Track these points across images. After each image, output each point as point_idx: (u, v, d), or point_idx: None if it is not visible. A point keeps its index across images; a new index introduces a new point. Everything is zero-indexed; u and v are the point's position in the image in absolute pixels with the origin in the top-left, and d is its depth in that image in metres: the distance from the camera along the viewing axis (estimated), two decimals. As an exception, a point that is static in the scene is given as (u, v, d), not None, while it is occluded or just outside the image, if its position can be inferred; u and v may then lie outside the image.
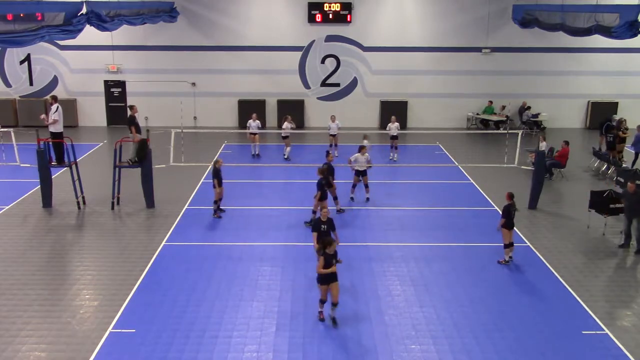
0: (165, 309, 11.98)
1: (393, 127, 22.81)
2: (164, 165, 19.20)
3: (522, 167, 19.97)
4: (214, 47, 28.27)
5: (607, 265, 14.47)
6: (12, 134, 19.02)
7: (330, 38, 28.38)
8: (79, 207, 17.78)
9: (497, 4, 27.94)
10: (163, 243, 15.29)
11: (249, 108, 25.46)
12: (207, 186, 19.86)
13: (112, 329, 11.31)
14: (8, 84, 28.65)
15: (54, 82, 28.68)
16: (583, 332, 11.43)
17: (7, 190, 19.16)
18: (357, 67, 28.76)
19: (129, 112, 18.45)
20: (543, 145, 19.54)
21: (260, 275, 13.55)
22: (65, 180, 18.63)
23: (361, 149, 18.06)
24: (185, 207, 17.94)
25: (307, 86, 28.96)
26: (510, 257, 14.32)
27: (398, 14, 28.27)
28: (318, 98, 29.08)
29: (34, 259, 14.36)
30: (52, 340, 10.93)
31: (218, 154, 23.81)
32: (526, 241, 15.68)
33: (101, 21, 19.35)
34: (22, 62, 28.45)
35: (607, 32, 20.06)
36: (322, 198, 16.02)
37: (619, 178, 19.38)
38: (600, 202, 16.22)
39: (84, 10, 18.36)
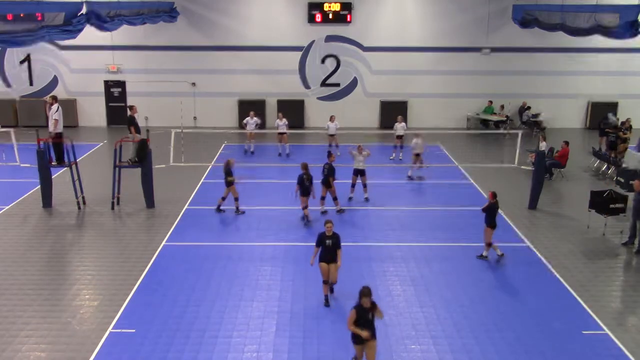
0: (165, 309, 11.98)
1: (399, 127, 22.87)
2: (164, 165, 19.20)
3: (522, 167, 19.98)
4: (214, 47, 28.27)
5: (607, 265, 14.47)
6: (12, 134, 19.02)
7: (330, 38, 28.38)
8: (79, 207, 17.78)
9: (497, 4, 27.94)
10: (163, 243, 15.29)
11: (249, 108, 25.45)
12: (207, 186, 19.89)
13: (112, 329, 11.31)
14: (8, 84, 28.66)
15: (54, 82, 28.68)
16: (583, 332, 11.42)
17: (7, 190, 19.16)
18: (357, 67, 28.77)
19: (128, 112, 18.46)
20: (543, 145, 19.56)
21: (260, 275, 13.55)
22: (65, 180, 18.63)
23: (359, 147, 18.11)
24: (185, 207, 17.94)
25: (307, 86, 28.97)
26: (487, 257, 14.47)
27: (398, 14, 28.28)
28: (318, 98, 29.08)
29: (34, 259, 14.36)
30: (52, 340, 10.93)
31: (218, 154, 23.83)
32: (526, 241, 15.69)
33: (101, 21, 19.36)
34: (22, 62, 28.45)
35: (607, 32, 20.08)
36: (303, 194, 16.30)
37: (619, 178, 19.39)
38: (600, 202, 16.21)
39: (84, 10, 18.38)
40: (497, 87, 28.91)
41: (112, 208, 17.72)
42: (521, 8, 26.55)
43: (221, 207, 17.29)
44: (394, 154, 23.55)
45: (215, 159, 23.11)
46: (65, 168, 18.32)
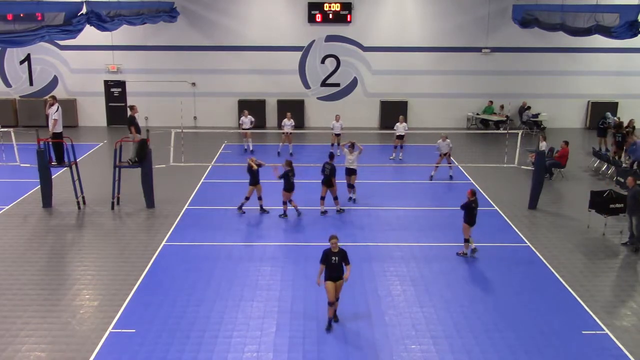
0: (165, 309, 11.98)
1: (400, 127, 22.87)
2: (164, 165, 19.19)
3: (522, 167, 19.97)
4: (214, 47, 28.27)
5: (607, 265, 14.47)
6: (12, 134, 19.03)
7: (330, 38, 28.38)
8: (79, 207, 17.78)
9: (497, 4, 27.94)
10: (163, 243, 15.29)
11: (249, 108, 25.46)
12: (207, 186, 19.89)
13: (112, 329, 11.31)
14: (8, 84, 28.65)
15: (54, 82, 28.67)
16: (583, 332, 11.43)
17: (7, 190, 19.15)
18: (357, 67, 28.76)
19: (129, 112, 18.46)
20: (543, 145, 19.55)
21: (260, 275, 13.55)
22: (65, 180, 18.62)
23: (351, 144, 18.09)
24: (185, 207, 17.94)
25: (307, 86, 28.96)
26: (466, 253, 14.58)
27: (398, 14, 28.27)
28: (318, 98, 29.08)
29: (34, 259, 14.36)
30: (52, 340, 10.93)
31: (218, 154, 23.84)
32: (526, 241, 15.68)
33: (101, 21, 19.34)
34: (22, 62, 28.44)
35: (607, 32, 20.06)
36: (287, 189, 16.64)
37: (619, 178, 19.39)
38: (600, 202, 16.22)
39: (84, 10, 18.36)
40: (497, 87, 28.91)
41: (112, 208, 17.72)
42: (521, 8, 26.55)
43: (242, 207, 17.28)
44: (393, 154, 23.57)
45: (215, 159, 23.12)
46: (65, 168, 18.33)
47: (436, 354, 10.65)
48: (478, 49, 28.46)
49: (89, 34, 21.95)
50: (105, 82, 28.72)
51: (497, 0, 27.88)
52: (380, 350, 10.71)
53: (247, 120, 23.73)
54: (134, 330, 11.22)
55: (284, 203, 16.96)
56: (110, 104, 28.98)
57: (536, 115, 28.23)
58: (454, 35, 28.33)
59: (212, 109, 28.84)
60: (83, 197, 18.09)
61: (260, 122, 27.16)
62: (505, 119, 27.97)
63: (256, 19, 28.10)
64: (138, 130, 17.98)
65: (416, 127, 27.77)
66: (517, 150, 19.01)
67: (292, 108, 28.06)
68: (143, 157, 17.42)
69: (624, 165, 20.99)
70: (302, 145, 25.07)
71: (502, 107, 28.47)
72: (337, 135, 23.42)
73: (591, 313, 12.10)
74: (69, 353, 10.55)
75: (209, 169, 21.38)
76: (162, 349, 10.63)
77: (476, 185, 20.07)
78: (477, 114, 28.89)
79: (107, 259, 14.48)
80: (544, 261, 14.49)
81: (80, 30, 18.34)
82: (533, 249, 15.22)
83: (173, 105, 27.83)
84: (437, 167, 20.99)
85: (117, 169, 17.72)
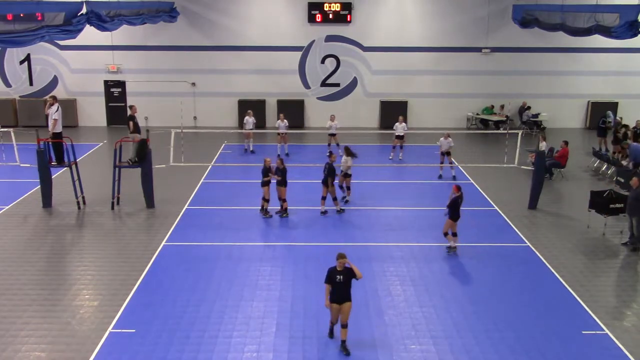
0: (165, 309, 11.98)
1: (400, 127, 22.87)
2: (164, 165, 19.19)
3: (522, 167, 19.96)
4: (214, 47, 28.27)
5: (607, 265, 14.47)
6: (12, 134, 19.02)
7: (330, 38, 28.38)
8: (79, 207, 17.78)
9: (497, 4, 27.94)
10: (163, 243, 15.29)
11: (249, 108, 25.48)
12: (207, 186, 19.89)
13: (112, 329, 11.31)
14: (8, 84, 28.65)
15: (54, 82, 28.67)
16: (583, 332, 11.42)
17: (7, 190, 19.15)
18: (357, 67, 28.76)
19: (128, 112, 18.45)
20: (543, 145, 19.54)
21: (260, 275, 13.55)
22: (65, 180, 18.62)
23: (346, 149, 18.21)
24: (185, 207, 17.93)
25: (307, 86, 28.96)
26: (455, 247, 14.73)
27: (398, 14, 28.28)
28: (318, 98, 29.08)
29: (34, 259, 14.36)
30: (52, 340, 10.93)
31: (218, 154, 23.84)
32: (526, 241, 15.68)
33: (101, 21, 19.35)
34: (22, 62, 28.44)
35: (607, 32, 20.06)
36: (280, 184, 16.79)
37: (618, 178, 19.38)
38: (600, 202, 16.21)
39: (84, 10, 18.36)
40: (497, 87, 28.91)
41: (112, 208, 17.72)
42: (521, 8, 26.55)
43: (267, 209, 17.13)
44: (392, 154, 23.56)
45: (215, 159, 23.13)
46: (65, 168, 18.33)
47: (436, 354, 10.65)
48: (478, 49, 28.46)
49: (89, 34, 21.95)
50: (105, 82, 28.72)
51: (497, 0, 27.88)
52: (380, 350, 10.70)
53: (251, 120, 23.75)
54: (133, 330, 11.22)
55: (284, 200, 16.95)
56: (110, 104, 28.98)
57: (536, 115, 28.25)
58: (454, 35, 28.34)
59: (212, 109, 28.84)
60: (83, 197, 18.08)
61: (260, 122, 27.14)
62: (505, 119, 27.97)
63: (256, 19, 28.11)
64: (138, 130, 17.96)
65: (416, 127, 27.77)
66: (517, 150, 19.00)
67: (292, 108, 28.14)
68: (143, 157, 17.42)
69: (625, 164, 20.96)
70: (302, 145, 25.07)
71: (502, 107, 28.48)
72: (333, 135, 23.41)
73: (591, 313, 12.10)
74: (69, 353, 10.55)
75: (208, 169, 21.38)
76: (162, 349, 10.63)
77: (476, 185, 20.09)
78: (477, 114, 28.89)
79: (107, 259, 14.48)
80: (544, 261, 14.49)
81: (80, 30, 18.34)
82: (533, 249, 15.22)
83: (173, 105, 27.82)
84: (442, 166, 21.05)
85: (117, 169, 17.71)
